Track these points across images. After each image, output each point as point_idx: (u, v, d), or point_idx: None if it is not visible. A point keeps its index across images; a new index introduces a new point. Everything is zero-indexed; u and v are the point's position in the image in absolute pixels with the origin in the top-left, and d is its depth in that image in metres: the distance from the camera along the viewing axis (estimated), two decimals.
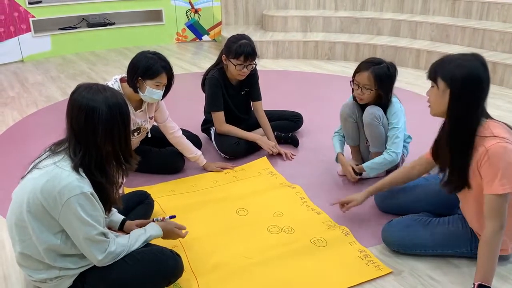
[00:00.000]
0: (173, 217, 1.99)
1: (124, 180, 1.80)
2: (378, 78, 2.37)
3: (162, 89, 2.43)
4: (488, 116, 1.71)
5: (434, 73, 1.71)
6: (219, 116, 2.91)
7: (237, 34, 2.86)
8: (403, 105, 2.56)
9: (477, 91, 1.64)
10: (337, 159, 2.66)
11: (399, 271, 1.91)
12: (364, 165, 2.51)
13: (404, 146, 2.62)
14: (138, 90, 2.40)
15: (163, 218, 1.98)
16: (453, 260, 1.96)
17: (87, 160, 1.54)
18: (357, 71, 2.44)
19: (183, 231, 1.92)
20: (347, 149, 2.76)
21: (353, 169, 2.54)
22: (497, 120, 1.72)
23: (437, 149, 1.83)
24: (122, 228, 1.91)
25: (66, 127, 1.58)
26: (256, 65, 2.86)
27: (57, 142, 1.63)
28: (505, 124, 1.72)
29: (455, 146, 1.70)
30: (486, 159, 1.62)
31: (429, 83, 1.75)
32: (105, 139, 1.54)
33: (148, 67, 2.35)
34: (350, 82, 2.49)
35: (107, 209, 1.69)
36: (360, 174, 2.55)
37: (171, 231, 1.88)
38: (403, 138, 2.51)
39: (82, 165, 1.54)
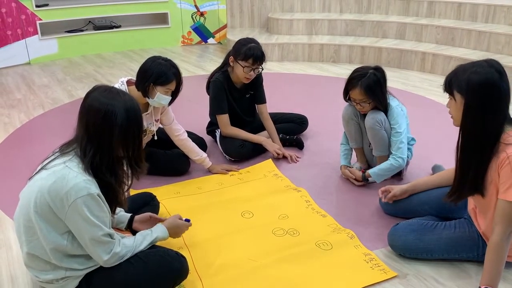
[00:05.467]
0: (187, 220, 1.98)
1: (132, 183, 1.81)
2: (369, 89, 2.39)
3: (170, 95, 2.47)
4: None
5: (449, 86, 1.69)
6: (224, 119, 2.92)
7: (247, 38, 2.88)
8: (405, 107, 2.56)
9: (492, 98, 1.60)
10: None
11: (404, 274, 1.91)
12: (371, 172, 2.52)
13: (408, 149, 2.61)
14: (148, 95, 2.43)
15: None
16: (459, 263, 1.95)
17: (97, 160, 1.55)
18: (349, 88, 2.46)
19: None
20: (353, 158, 2.78)
21: (362, 173, 2.56)
22: None
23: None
24: (130, 227, 1.93)
25: (77, 127, 1.59)
26: (262, 69, 2.87)
27: (66, 142, 1.64)
28: None
29: (470, 152, 1.67)
30: (507, 163, 1.60)
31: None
32: (120, 142, 1.56)
33: (161, 74, 2.39)
34: (344, 99, 2.53)
35: (113, 211, 1.71)
36: (367, 180, 2.56)
37: (177, 224, 1.89)
38: (407, 142, 2.51)
39: (92, 165, 1.55)
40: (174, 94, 2.51)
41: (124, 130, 1.55)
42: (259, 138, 2.97)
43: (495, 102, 1.61)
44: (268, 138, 3.01)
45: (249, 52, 2.74)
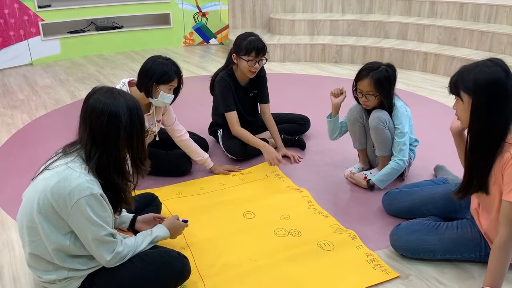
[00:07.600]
0: (185, 221, 1.99)
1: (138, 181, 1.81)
2: (378, 82, 2.38)
3: (172, 93, 2.48)
4: None
5: (455, 87, 1.68)
6: (233, 117, 2.86)
7: (245, 32, 2.88)
8: (409, 108, 2.55)
9: (499, 97, 1.59)
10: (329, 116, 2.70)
11: (406, 275, 1.91)
12: (374, 179, 2.52)
13: (411, 150, 2.61)
14: (151, 95, 2.44)
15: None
16: (461, 264, 1.95)
17: (104, 162, 1.56)
18: (358, 79, 2.45)
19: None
20: (355, 152, 2.77)
21: (367, 181, 2.56)
22: None
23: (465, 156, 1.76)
24: (132, 227, 1.93)
25: (80, 129, 1.59)
26: (267, 60, 2.85)
27: (69, 143, 1.64)
28: None
29: (478, 152, 1.67)
30: (511, 164, 1.59)
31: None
32: (126, 142, 1.57)
33: (163, 73, 2.40)
34: (353, 92, 2.51)
35: (119, 211, 1.71)
36: (373, 187, 2.55)
37: (177, 225, 1.90)
38: (409, 143, 2.50)
39: (99, 167, 1.55)
40: (175, 93, 2.52)
41: (129, 129, 1.56)
42: (263, 143, 2.86)
43: (502, 100, 1.60)
44: (270, 138, 3.01)
45: (250, 45, 2.73)
